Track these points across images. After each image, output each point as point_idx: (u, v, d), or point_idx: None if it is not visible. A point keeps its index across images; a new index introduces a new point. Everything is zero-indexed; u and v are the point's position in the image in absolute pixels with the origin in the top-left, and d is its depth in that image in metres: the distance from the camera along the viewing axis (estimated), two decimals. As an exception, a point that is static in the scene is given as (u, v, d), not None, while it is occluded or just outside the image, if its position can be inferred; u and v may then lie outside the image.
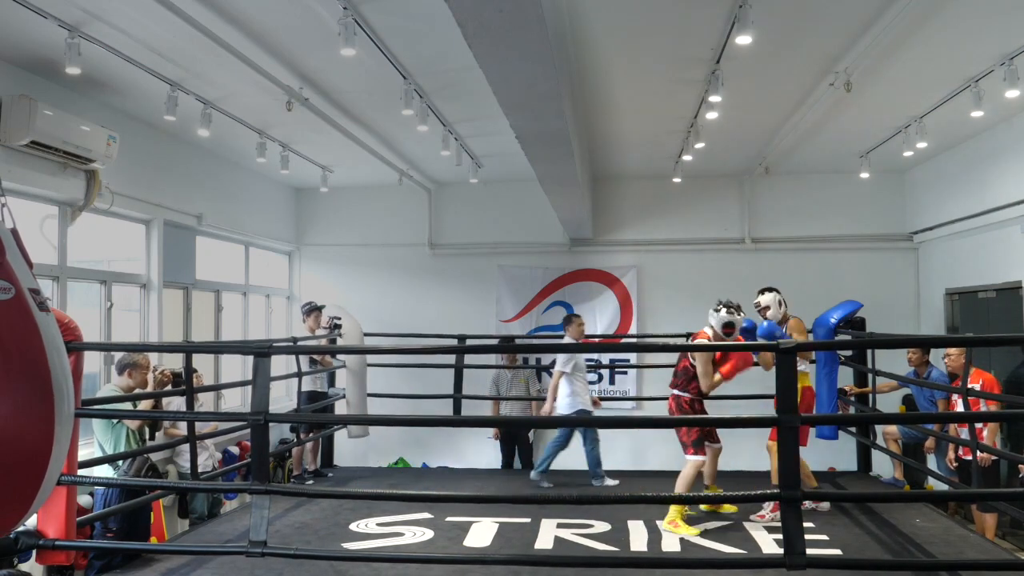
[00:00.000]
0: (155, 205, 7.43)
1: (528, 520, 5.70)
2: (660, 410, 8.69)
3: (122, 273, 7.29)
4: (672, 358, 8.26)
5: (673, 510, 5.47)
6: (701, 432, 5.64)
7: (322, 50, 5.50)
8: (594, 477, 7.05)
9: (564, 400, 7.02)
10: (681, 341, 7.99)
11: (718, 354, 5.72)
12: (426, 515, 5.84)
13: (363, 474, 7.94)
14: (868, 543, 5.21)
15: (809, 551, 3.89)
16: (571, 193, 7.72)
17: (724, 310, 5.70)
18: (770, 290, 6.30)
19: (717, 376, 5.66)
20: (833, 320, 6.77)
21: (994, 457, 6.17)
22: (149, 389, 5.89)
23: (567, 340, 7.31)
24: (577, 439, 7.14)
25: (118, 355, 6.00)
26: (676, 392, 5.82)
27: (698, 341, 5.97)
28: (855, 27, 5.26)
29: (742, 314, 5.76)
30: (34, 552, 4.33)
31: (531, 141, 5.79)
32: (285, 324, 10.44)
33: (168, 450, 6.73)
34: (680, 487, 5.56)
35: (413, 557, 4.84)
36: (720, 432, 5.96)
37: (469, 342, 8.51)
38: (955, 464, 6.58)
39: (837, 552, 4.95)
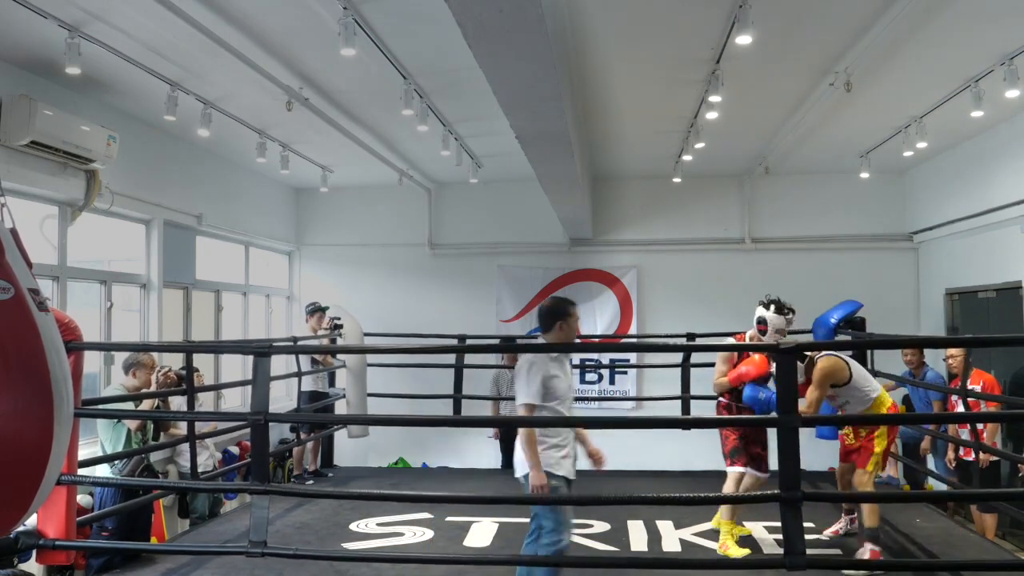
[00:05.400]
0: (155, 205, 7.43)
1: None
2: (660, 410, 8.78)
3: (122, 273, 7.29)
4: (672, 358, 8.37)
5: (724, 532, 5.01)
6: (738, 441, 5.06)
7: (322, 50, 5.50)
8: None
9: None
10: (681, 342, 7.97)
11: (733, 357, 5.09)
12: (426, 515, 5.84)
13: (363, 474, 7.93)
14: (868, 543, 5.21)
15: (809, 551, 3.89)
16: (571, 193, 7.71)
17: (762, 308, 5.01)
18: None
19: (723, 379, 5.09)
20: (833, 320, 6.76)
21: (994, 458, 6.17)
22: (152, 389, 5.90)
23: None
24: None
25: (120, 355, 6.01)
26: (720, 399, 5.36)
27: (729, 341, 5.38)
28: (855, 27, 5.26)
29: (790, 315, 4.99)
30: (34, 552, 4.33)
31: (531, 141, 5.79)
32: (285, 324, 10.44)
33: (168, 450, 6.75)
34: (723, 505, 5.10)
35: (413, 557, 4.83)
36: None
37: (469, 342, 8.50)
38: (954, 464, 6.59)
39: (837, 552, 4.96)
